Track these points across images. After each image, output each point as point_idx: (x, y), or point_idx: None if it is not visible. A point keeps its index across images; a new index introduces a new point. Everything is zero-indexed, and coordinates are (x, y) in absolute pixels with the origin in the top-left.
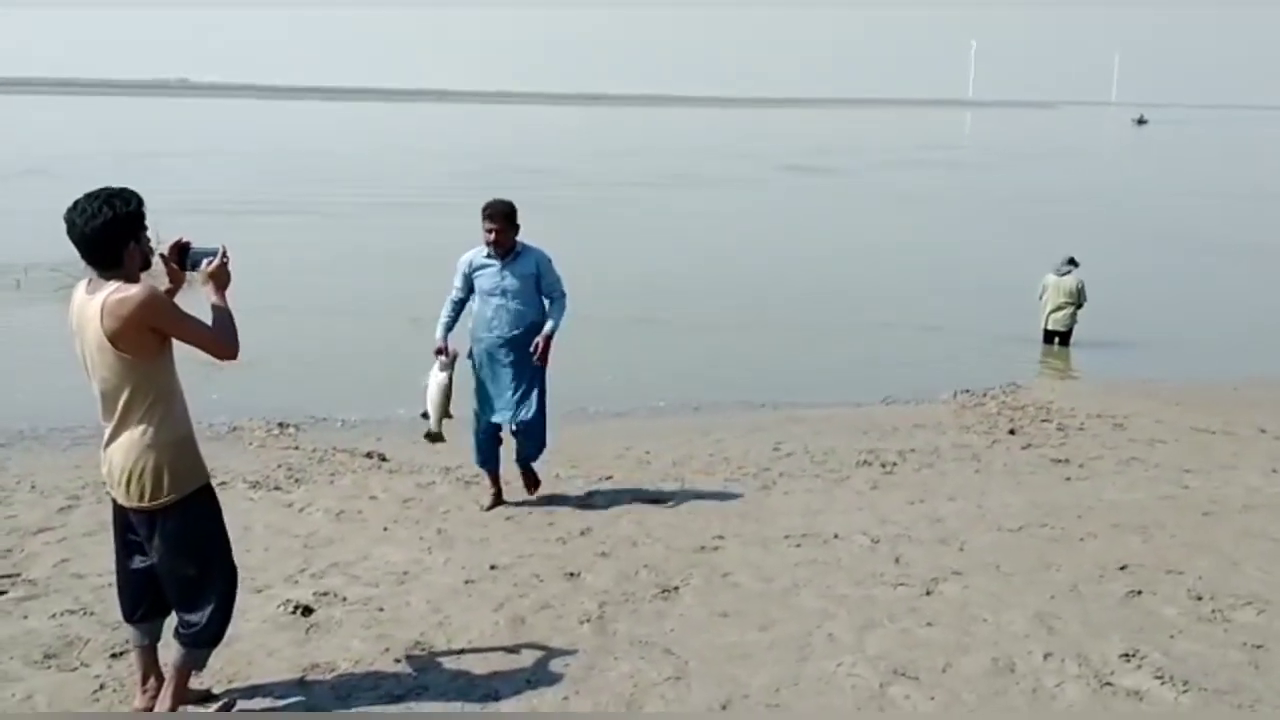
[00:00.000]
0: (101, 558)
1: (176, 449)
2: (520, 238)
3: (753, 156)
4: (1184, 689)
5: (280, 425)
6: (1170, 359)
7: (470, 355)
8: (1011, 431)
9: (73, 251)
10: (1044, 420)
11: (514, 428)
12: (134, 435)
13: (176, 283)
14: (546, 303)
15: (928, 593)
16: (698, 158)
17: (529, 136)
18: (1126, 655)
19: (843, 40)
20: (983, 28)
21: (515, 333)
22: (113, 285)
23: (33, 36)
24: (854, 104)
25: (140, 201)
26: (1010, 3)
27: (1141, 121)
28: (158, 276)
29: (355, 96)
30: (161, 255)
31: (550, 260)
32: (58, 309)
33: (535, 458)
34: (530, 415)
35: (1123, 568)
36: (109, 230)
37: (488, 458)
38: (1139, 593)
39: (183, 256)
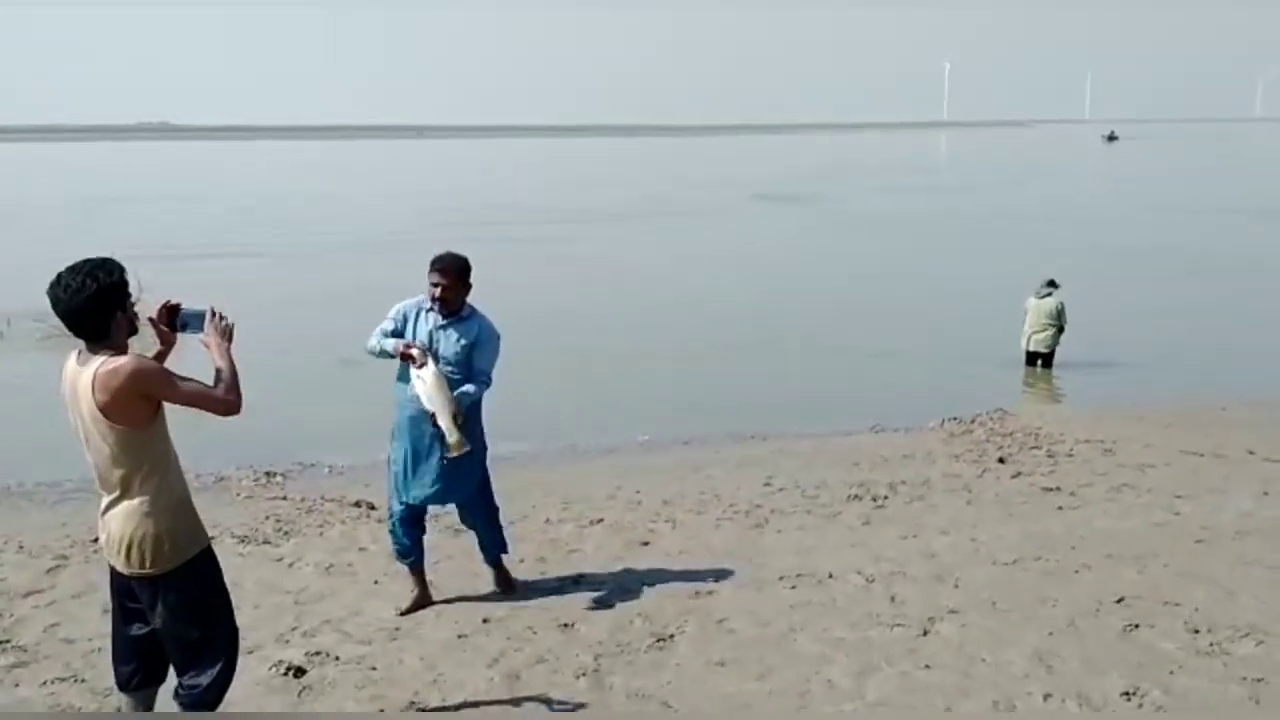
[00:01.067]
0: (91, 621)
1: (175, 514)
2: (472, 300)
3: (727, 185)
4: None
5: (267, 474)
6: (1156, 380)
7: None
8: (1001, 460)
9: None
10: (1033, 447)
11: (460, 515)
12: (132, 504)
13: (167, 344)
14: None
15: (925, 633)
16: (667, 188)
17: (502, 171)
18: (1127, 693)
19: (816, 66)
20: (956, 49)
21: None
22: (102, 358)
23: (16, 84)
24: (829, 129)
25: (123, 271)
26: (982, 24)
27: (1112, 138)
28: (146, 340)
29: (336, 134)
30: (150, 319)
31: (497, 338)
32: (41, 360)
33: (498, 551)
34: (470, 492)
35: (1119, 600)
36: (94, 303)
37: (407, 549)
38: (1136, 626)
39: (172, 319)
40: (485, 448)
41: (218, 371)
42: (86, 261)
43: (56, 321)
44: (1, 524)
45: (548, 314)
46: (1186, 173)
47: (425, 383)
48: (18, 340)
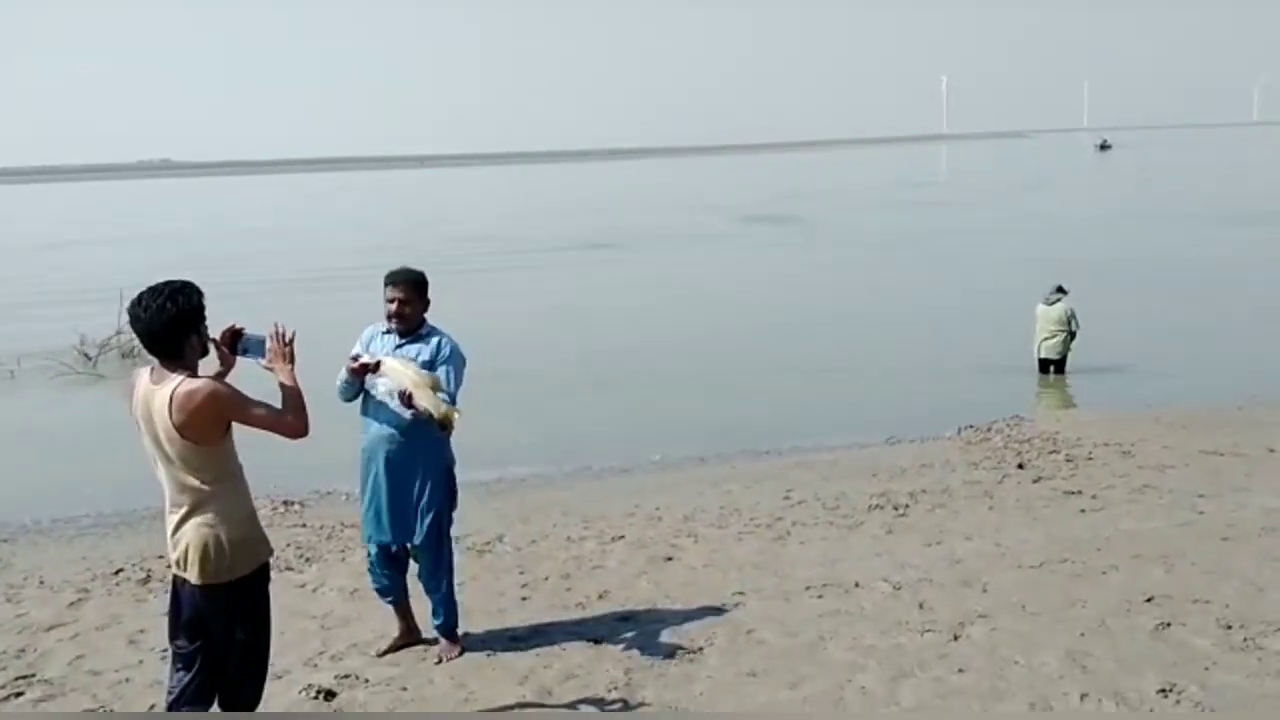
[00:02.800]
0: (116, 653)
1: (246, 525)
2: (437, 322)
3: (722, 207)
4: None
5: (285, 503)
6: (1169, 382)
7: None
8: (1020, 465)
9: (65, 340)
10: (1052, 452)
11: (412, 554)
12: (206, 517)
13: (227, 366)
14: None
15: (955, 638)
16: (656, 213)
17: (485, 197)
18: (1164, 690)
19: (813, 83)
20: (953, 63)
21: (405, 426)
22: (178, 378)
23: (18, 124)
24: (828, 145)
25: (201, 295)
26: (980, 36)
27: (1104, 147)
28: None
29: (336, 166)
30: (213, 341)
31: (462, 357)
32: (53, 398)
33: (444, 619)
34: (417, 533)
35: (1149, 600)
36: (172, 325)
37: (384, 589)
38: (1168, 625)
39: (235, 342)
40: (450, 488)
41: (284, 396)
42: (167, 284)
43: (65, 359)
44: (21, 560)
45: (550, 339)
46: (1179, 180)
47: (388, 372)
48: (27, 380)
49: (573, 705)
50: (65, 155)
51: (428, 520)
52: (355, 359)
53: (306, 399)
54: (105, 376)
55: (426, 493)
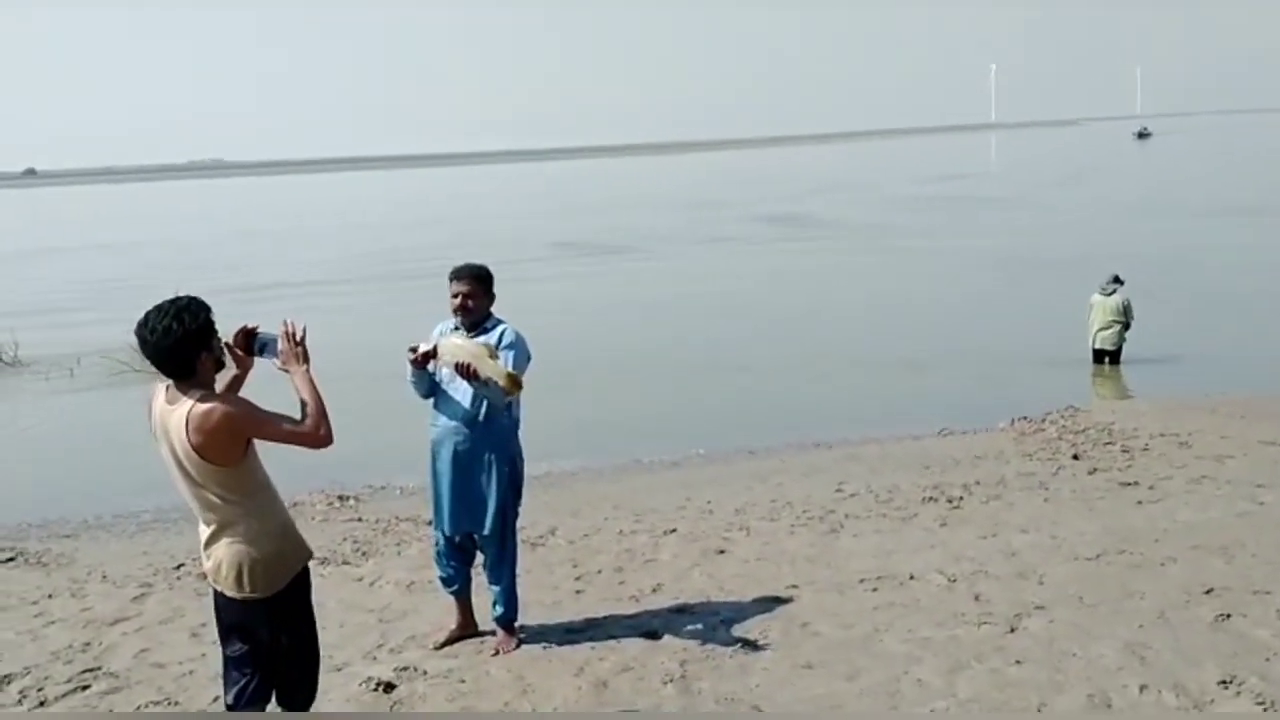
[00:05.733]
0: (180, 646)
1: (280, 538)
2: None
3: (761, 200)
4: None
5: (340, 498)
6: (1224, 372)
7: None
8: (1075, 457)
9: (116, 337)
10: (1107, 443)
11: (478, 544)
12: (237, 533)
13: (244, 369)
14: None
15: (1012, 630)
16: (690, 211)
17: (552, 193)
18: (1224, 682)
19: (861, 72)
20: (1003, 51)
21: (472, 419)
22: (192, 398)
23: (79, 128)
24: (876, 135)
25: (208, 310)
26: (1029, 23)
27: (1143, 135)
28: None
29: (381, 165)
30: (227, 345)
31: (523, 340)
32: (111, 395)
33: (505, 610)
34: (483, 522)
35: (1208, 591)
36: (181, 344)
37: (448, 579)
38: (1228, 616)
39: (249, 343)
40: (516, 481)
41: (303, 404)
42: (173, 303)
43: (121, 355)
44: (84, 555)
45: (593, 333)
46: (1217, 171)
47: (446, 349)
48: (86, 378)
49: (629, 698)
50: (119, 157)
51: (494, 511)
52: (414, 350)
53: (328, 404)
54: (160, 375)
55: (493, 484)
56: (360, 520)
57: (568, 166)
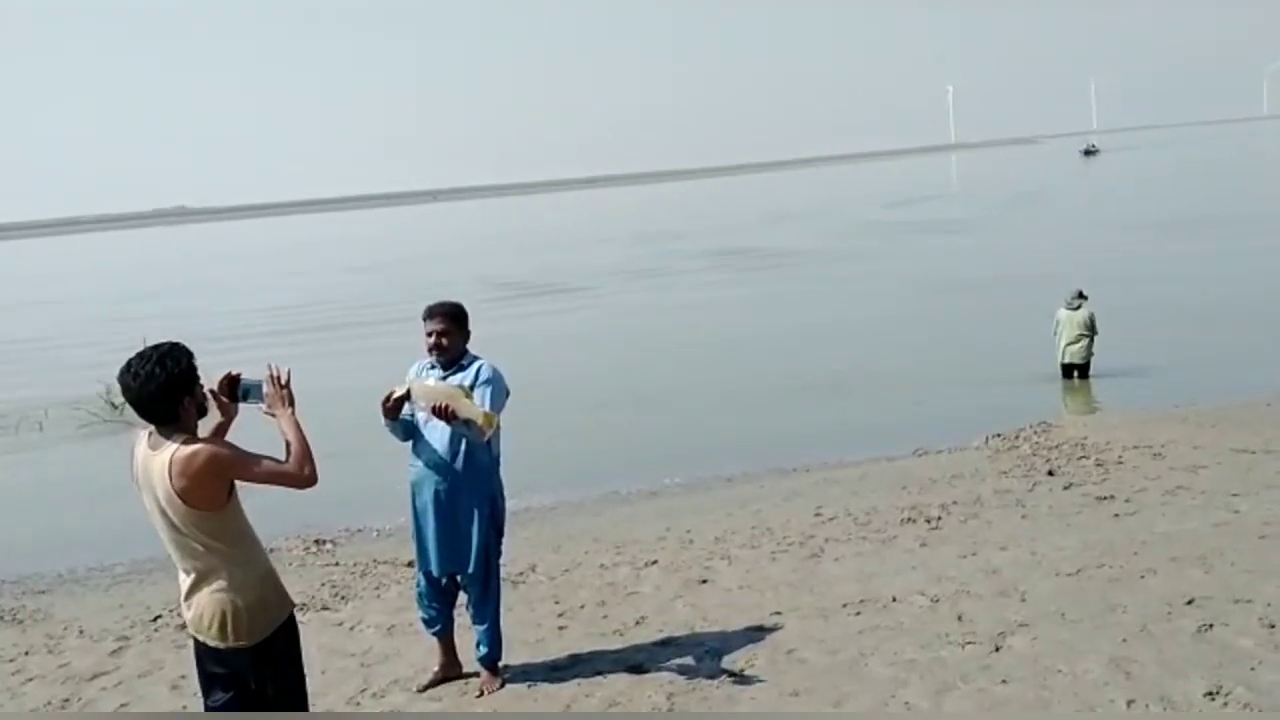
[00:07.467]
0: (160, 699)
1: (261, 586)
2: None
3: (684, 236)
4: None
5: (316, 541)
6: (1192, 381)
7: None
8: (1050, 472)
9: (90, 389)
10: (1081, 457)
11: (461, 584)
12: (220, 584)
13: (228, 416)
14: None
15: (997, 649)
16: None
17: (523, 229)
18: (1210, 693)
19: (822, 98)
20: (959, 71)
21: (451, 459)
22: (175, 443)
23: (36, 179)
24: (838, 160)
25: (190, 356)
26: (983, 43)
27: (1090, 152)
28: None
29: (351, 205)
30: (210, 391)
31: (499, 375)
32: (82, 448)
33: (489, 650)
34: (467, 562)
35: (1189, 602)
36: (163, 391)
37: (432, 618)
38: (1210, 626)
39: (233, 389)
40: (497, 519)
41: (287, 445)
42: (155, 349)
43: (91, 406)
44: (60, 610)
45: (569, 364)
46: (1161, 186)
47: (420, 393)
48: (55, 430)
49: None
50: (81, 206)
51: (476, 550)
52: (387, 399)
53: (313, 445)
54: (133, 424)
55: (475, 524)
56: (338, 564)
57: (494, 205)
